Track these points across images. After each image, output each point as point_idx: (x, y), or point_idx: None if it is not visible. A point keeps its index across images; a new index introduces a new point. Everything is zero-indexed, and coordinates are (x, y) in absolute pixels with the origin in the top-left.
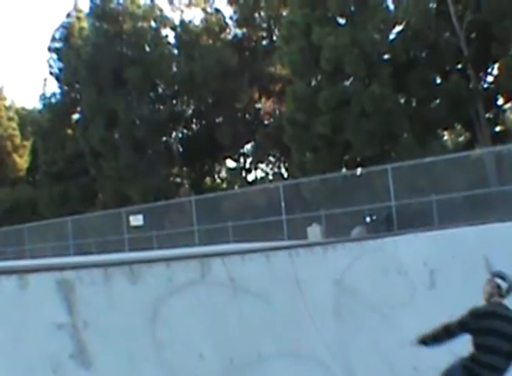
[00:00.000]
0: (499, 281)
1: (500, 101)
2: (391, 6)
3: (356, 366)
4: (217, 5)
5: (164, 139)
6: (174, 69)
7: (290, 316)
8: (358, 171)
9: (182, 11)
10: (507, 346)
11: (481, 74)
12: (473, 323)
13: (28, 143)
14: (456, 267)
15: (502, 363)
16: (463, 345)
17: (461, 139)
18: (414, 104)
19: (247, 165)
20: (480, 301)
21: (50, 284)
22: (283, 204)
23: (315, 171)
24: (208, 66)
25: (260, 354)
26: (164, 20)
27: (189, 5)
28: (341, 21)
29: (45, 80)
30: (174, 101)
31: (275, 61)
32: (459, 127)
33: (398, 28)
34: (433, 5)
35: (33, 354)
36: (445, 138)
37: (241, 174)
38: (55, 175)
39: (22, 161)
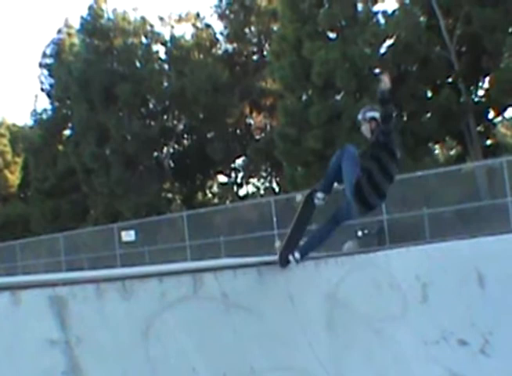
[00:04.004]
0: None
1: (491, 114)
2: (382, 20)
3: None
4: (207, 20)
5: (156, 154)
6: (165, 84)
7: (282, 331)
8: None
9: (172, 26)
10: None
11: (472, 88)
12: None
13: (20, 160)
14: (448, 281)
15: None
16: (459, 363)
17: (452, 152)
18: (405, 118)
19: (239, 180)
20: (472, 315)
21: (43, 300)
22: (274, 219)
23: (307, 186)
24: (199, 82)
25: (253, 368)
26: (154, 36)
27: (180, 20)
28: (332, 36)
29: (36, 96)
30: (165, 116)
31: (266, 76)
32: (450, 141)
33: (389, 42)
34: (423, 19)
35: (26, 370)
36: (437, 151)
37: (233, 189)
38: (47, 192)
39: (13, 178)
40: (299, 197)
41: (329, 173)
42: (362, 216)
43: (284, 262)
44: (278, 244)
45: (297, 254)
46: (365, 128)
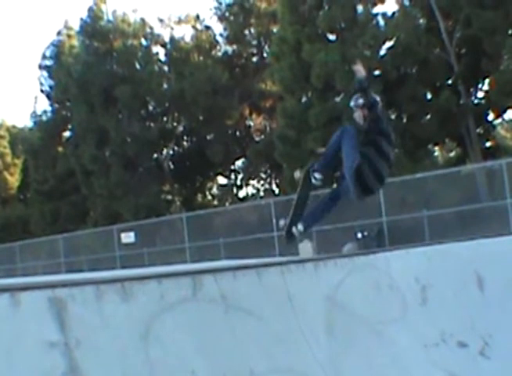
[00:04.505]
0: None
1: (491, 116)
2: (381, 22)
3: None
4: (207, 22)
5: (155, 156)
6: (165, 86)
7: (281, 333)
8: None
9: (172, 28)
10: None
11: (472, 90)
12: None
13: (19, 161)
14: (447, 283)
15: None
16: (459, 366)
17: (452, 154)
18: (405, 120)
19: (238, 182)
20: (472, 317)
21: (42, 302)
22: (274, 221)
23: None
24: (199, 84)
25: (252, 371)
26: (154, 38)
27: (179, 22)
28: (331, 38)
29: (36, 98)
30: (165, 118)
31: (266, 78)
32: (450, 143)
33: (389, 44)
34: (423, 21)
35: (25, 372)
36: (436, 153)
37: (232, 190)
38: (47, 193)
39: (13, 179)
40: (297, 174)
41: (328, 153)
42: (360, 200)
43: (289, 236)
44: (282, 222)
45: (300, 227)
46: (358, 115)
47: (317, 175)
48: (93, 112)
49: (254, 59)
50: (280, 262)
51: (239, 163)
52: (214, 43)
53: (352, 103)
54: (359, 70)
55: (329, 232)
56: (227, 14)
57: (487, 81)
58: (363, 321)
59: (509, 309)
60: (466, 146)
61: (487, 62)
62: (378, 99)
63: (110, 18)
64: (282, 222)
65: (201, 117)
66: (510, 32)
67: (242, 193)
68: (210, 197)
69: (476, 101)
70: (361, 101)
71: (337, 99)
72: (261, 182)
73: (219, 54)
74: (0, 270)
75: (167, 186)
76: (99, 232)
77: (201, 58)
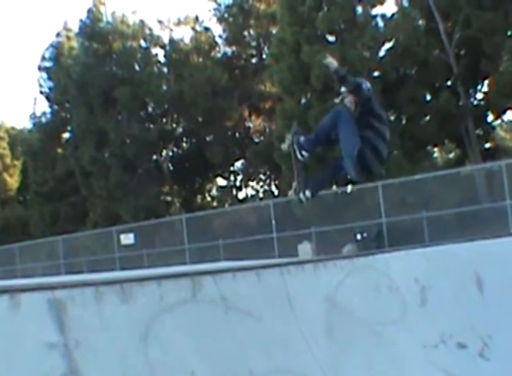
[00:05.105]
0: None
1: (490, 118)
2: (381, 24)
3: None
4: (206, 23)
5: (155, 157)
6: (164, 88)
7: (281, 334)
8: (349, 188)
9: (171, 30)
10: None
11: (471, 91)
12: None
13: (18, 163)
14: (447, 284)
15: None
16: (458, 367)
17: (451, 155)
18: (404, 121)
19: (238, 183)
20: (472, 318)
21: (42, 304)
22: (273, 222)
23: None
24: (198, 85)
25: (252, 372)
26: (153, 39)
27: (179, 23)
28: (331, 39)
29: (35, 99)
30: (164, 120)
31: (265, 79)
32: (449, 144)
33: (388, 45)
34: (422, 23)
35: (24, 374)
36: (436, 155)
37: (231, 192)
38: (46, 195)
39: (12, 181)
40: (284, 146)
41: (319, 134)
42: (361, 180)
43: (300, 201)
44: (295, 184)
45: (307, 193)
46: (349, 101)
47: (304, 153)
48: (92, 113)
49: (254, 60)
50: (280, 263)
51: (238, 164)
52: (214, 44)
53: (343, 89)
54: (330, 62)
55: (329, 233)
56: (226, 15)
57: (486, 82)
58: (363, 322)
59: (508, 310)
60: (466, 147)
61: (486, 63)
62: (362, 80)
63: (110, 19)
64: (284, 146)
65: (200, 119)
66: (509, 33)
67: (241, 195)
68: (209, 199)
69: (475, 102)
70: (343, 88)
71: (337, 100)
72: (261, 183)
73: (218, 55)
74: None
75: (166, 188)
76: (99, 233)
77: (200, 59)
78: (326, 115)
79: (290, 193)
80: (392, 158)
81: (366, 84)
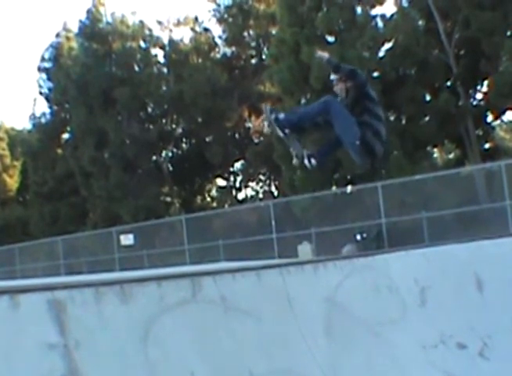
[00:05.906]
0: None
1: (490, 118)
2: (380, 24)
3: None
4: (206, 24)
5: (154, 158)
6: (164, 88)
7: (281, 335)
8: (349, 189)
9: (170, 30)
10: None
11: (471, 91)
12: None
13: (18, 163)
14: (446, 284)
15: None
16: (458, 367)
17: (451, 156)
18: (404, 121)
19: (237, 184)
20: (471, 318)
21: (41, 304)
22: (273, 223)
23: (306, 190)
24: (198, 85)
25: (251, 372)
26: (153, 40)
27: (178, 24)
28: (330, 39)
29: (35, 100)
30: (164, 120)
31: (265, 79)
32: (449, 144)
33: (387, 46)
34: (421, 23)
35: (24, 374)
36: (435, 155)
37: (231, 192)
38: (46, 195)
39: (12, 181)
40: (295, 162)
41: (301, 117)
42: (366, 164)
43: (303, 166)
44: (305, 152)
45: (313, 161)
46: (340, 88)
47: (287, 132)
48: (92, 114)
49: (253, 60)
50: (279, 263)
51: (238, 165)
52: (213, 45)
53: (333, 77)
54: (322, 55)
55: (329, 233)
56: (226, 16)
57: (486, 82)
58: (362, 322)
59: (508, 310)
60: (466, 147)
61: (486, 63)
62: (353, 67)
63: (109, 20)
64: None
65: (200, 119)
66: (508, 33)
67: (241, 195)
68: (209, 199)
69: (475, 102)
70: (333, 76)
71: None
72: (260, 184)
73: (218, 56)
74: None
75: (166, 188)
76: (99, 234)
77: (200, 60)
78: (313, 103)
79: (295, 161)
80: (392, 158)
81: (360, 70)
